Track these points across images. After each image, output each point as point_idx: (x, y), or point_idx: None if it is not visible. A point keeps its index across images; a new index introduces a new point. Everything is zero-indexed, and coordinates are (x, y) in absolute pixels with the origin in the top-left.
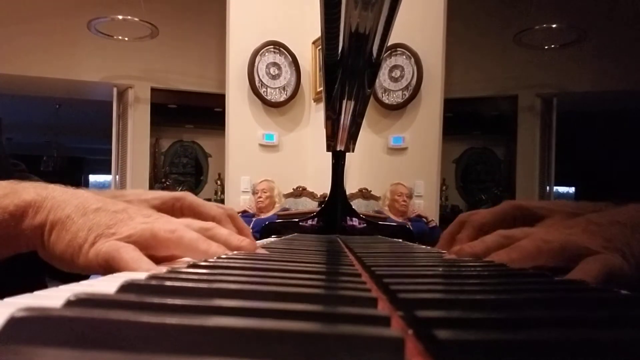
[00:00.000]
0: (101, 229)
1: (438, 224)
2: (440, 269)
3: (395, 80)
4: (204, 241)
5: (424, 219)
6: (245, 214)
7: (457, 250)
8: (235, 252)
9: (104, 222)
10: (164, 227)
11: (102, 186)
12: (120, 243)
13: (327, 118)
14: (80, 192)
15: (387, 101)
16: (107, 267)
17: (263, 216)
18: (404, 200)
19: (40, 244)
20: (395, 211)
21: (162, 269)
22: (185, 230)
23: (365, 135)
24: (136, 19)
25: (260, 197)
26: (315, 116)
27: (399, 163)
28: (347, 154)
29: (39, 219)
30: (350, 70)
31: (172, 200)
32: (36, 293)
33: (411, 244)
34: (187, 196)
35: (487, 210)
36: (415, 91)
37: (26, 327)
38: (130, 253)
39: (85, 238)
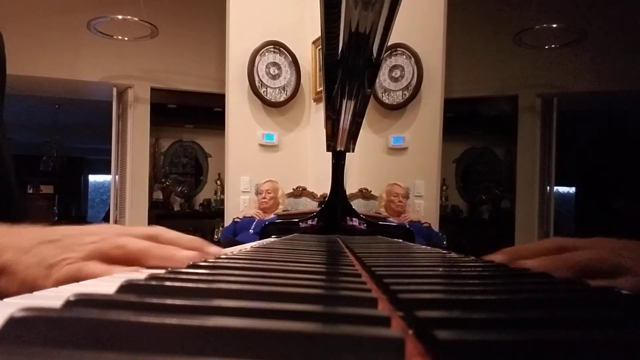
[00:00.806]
0: (49, 260)
1: (438, 224)
2: (441, 269)
3: (395, 80)
4: (156, 247)
5: (417, 222)
6: (249, 218)
7: (510, 251)
8: (234, 252)
9: (50, 254)
10: (112, 243)
11: (101, 186)
12: (78, 264)
13: (327, 118)
14: (20, 230)
15: (387, 101)
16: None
17: (267, 217)
18: (400, 201)
19: None
20: (392, 212)
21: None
22: (134, 241)
23: (365, 135)
24: (136, 19)
25: (264, 197)
26: (315, 116)
27: (399, 163)
28: (347, 154)
29: None
30: (350, 70)
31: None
32: (36, 293)
33: (411, 244)
34: (158, 230)
35: (530, 247)
36: (415, 91)
37: (26, 327)
38: (96, 267)
39: (38, 273)
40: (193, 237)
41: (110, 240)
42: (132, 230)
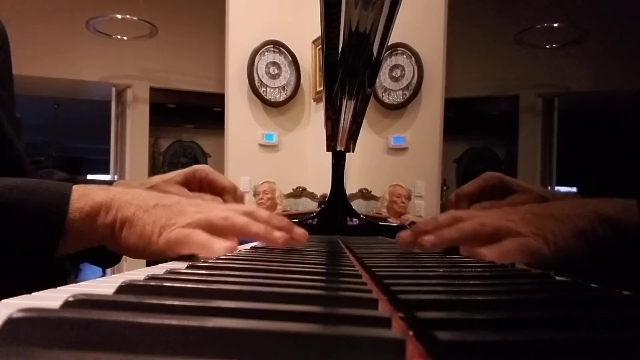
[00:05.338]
0: (163, 221)
1: None
2: (441, 270)
3: (395, 79)
4: (254, 224)
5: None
6: None
7: (414, 227)
8: (239, 250)
9: (164, 216)
10: (218, 215)
11: None
12: (187, 229)
13: (327, 118)
14: (138, 192)
15: (387, 101)
16: (179, 250)
17: None
18: (402, 202)
19: (112, 239)
20: (394, 212)
21: (235, 247)
22: (236, 215)
23: (365, 135)
24: (135, 18)
25: (261, 198)
26: (315, 116)
27: (399, 163)
28: (347, 154)
29: (110, 217)
30: (350, 70)
31: (191, 173)
32: (35, 294)
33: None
34: (205, 168)
35: (470, 182)
36: (415, 91)
37: (24, 328)
38: (201, 235)
39: (152, 230)
40: (283, 218)
41: (217, 212)
42: (232, 205)
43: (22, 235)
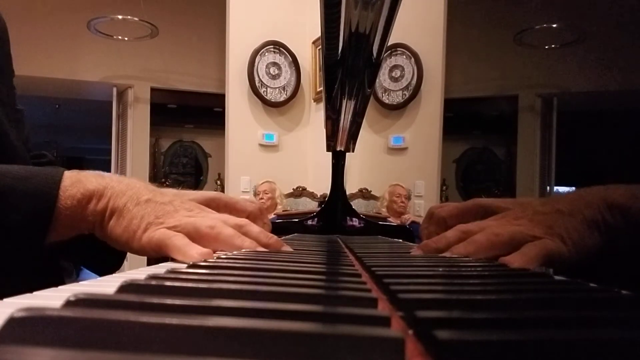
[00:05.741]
0: (151, 218)
1: None
2: (441, 269)
3: (395, 80)
4: (239, 237)
5: (417, 224)
6: None
7: (423, 245)
8: (242, 250)
9: (153, 213)
10: (205, 223)
11: None
12: (171, 232)
13: (327, 118)
14: (133, 183)
15: (387, 101)
16: (159, 251)
17: None
18: (402, 202)
19: (100, 227)
20: (394, 212)
21: (211, 254)
22: (223, 226)
23: (365, 135)
24: (136, 19)
25: (261, 198)
26: (315, 116)
27: (399, 163)
28: (347, 154)
29: (101, 205)
30: (350, 70)
31: (207, 202)
32: (36, 293)
33: (411, 244)
34: (222, 196)
35: (453, 204)
36: (415, 91)
37: (26, 327)
38: (181, 240)
39: (138, 225)
40: (273, 236)
41: (206, 219)
42: (224, 217)
43: (11, 221)
